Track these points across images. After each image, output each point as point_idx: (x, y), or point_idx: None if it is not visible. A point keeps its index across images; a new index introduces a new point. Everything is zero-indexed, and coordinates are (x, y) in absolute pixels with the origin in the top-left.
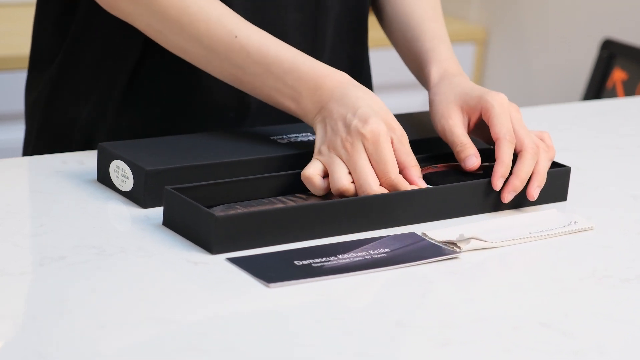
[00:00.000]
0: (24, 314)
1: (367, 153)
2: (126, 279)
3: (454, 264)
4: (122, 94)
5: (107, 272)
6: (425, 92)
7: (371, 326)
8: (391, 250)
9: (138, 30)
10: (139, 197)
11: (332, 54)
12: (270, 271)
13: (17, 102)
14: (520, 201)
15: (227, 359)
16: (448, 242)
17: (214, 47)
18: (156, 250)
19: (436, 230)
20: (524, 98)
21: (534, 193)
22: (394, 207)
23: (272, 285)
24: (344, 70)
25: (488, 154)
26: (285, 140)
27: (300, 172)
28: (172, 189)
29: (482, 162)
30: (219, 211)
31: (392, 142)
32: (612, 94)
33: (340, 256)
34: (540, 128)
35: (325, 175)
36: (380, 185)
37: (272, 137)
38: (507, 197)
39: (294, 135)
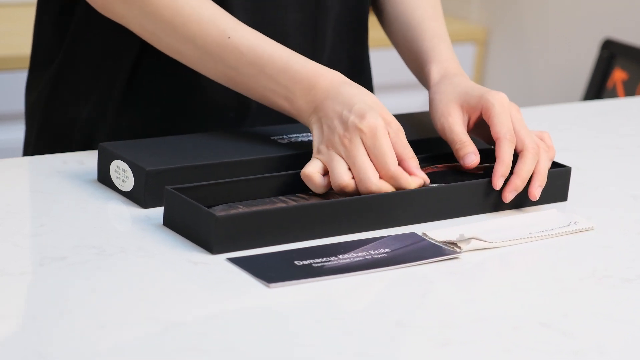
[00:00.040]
0: (24, 314)
1: (365, 147)
2: (126, 279)
3: (454, 264)
4: (122, 93)
5: (107, 272)
6: (425, 92)
7: (371, 326)
8: (391, 251)
9: None
10: (139, 197)
11: (332, 53)
12: (270, 271)
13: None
14: (521, 201)
15: (227, 359)
16: (448, 242)
17: (207, 48)
18: (156, 250)
19: (436, 230)
20: (524, 98)
21: (535, 193)
22: (394, 207)
23: (272, 285)
24: (344, 70)
25: (488, 154)
26: (286, 140)
27: (300, 172)
28: (173, 189)
29: (482, 163)
30: (219, 210)
31: (389, 136)
32: (613, 94)
33: (340, 256)
34: (540, 128)
35: (326, 173)
36: (380, 178)
37: (272, 137)
38: (508, 196)
39: (294, 135)
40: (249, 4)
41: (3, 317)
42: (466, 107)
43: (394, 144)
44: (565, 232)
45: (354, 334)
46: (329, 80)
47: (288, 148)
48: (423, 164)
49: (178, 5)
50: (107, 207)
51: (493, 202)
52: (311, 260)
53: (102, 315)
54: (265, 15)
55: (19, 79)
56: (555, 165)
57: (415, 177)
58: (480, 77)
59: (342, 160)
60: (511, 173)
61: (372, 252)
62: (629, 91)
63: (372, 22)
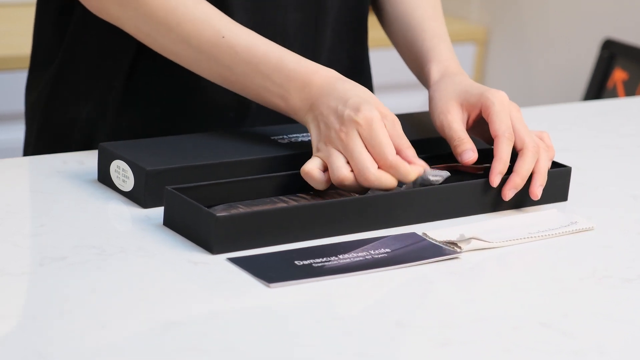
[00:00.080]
0: (24, 314)
1: (362, 140)
2: (126, 279)
3: (454, 264)
4: (122, 94)
5: (107, 272)
6: (425, 92)
7: (371, 326)
8: (392, 251)
9: None
10: (139, 197)
11: (331, 53)
12: (270, 271)
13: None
14: (521, 201)
15: (227, 359)
16: (448, 242)
17: (202, 48)
18: (156, 250)
19: (437, 230)
20: (524, 98)
21: (537, 192)
22: (394, 207)
23: (272, 285)
24: (343, 70)
25: (488, 154)
26: (286, 140)
27: (300, 170)
28: (173, 189)
29: (482, 162)
30: (219, 210)
31: (385, 127)
32: (613, 94)
33: (340, 256)
34: (540, 128)
35: (326, 169)
36: (379, 169)
37: (272, 137)
38: (508, 194)
39: (294, 135)
40: (249, 4)
41: (3, 317)
42: (466, 105)
43: (391, 135)
44: (566, 232)
45: (354, 334)
46: (323, 77)
47: (288, 148)
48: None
49: (172, 6)
50: (107, 207)
51: (493, 202)
52: (311, 260)
53: (102, 315)
54: (265, 15)
55: (19, 79)
56: (555, 165)
57: (415, 166)
58: (480, 77)
59: (340, 154)
60: (510, 171)
61: (372, 252)
62: (629, 91)
63: (372, 22)
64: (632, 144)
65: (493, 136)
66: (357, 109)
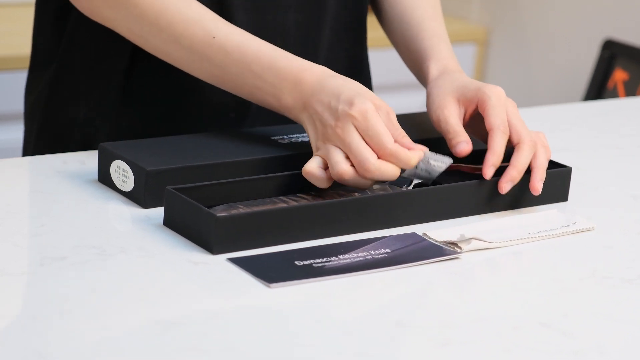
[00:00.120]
0: (24, 314)
1: (359, 132)
2: (126, 279)
3: (454, 264)
4: (120, 94)
5: (107, 272)
6: (425, 93)
7: (371, 326)
8: (392, 251)
9: None
10: (139, 197)
11: (330, 53)
12: (271, 271)
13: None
14: (521, 201)
15: (227, 359)
16: (449, 243)
17: (193, 48)
18: (157, 251)
19: (437, 231)
20: (524, 98)
21: (537, 186)
22: (394, 207)
23: (273, 285)
24: (342, 70)
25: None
26: (286, 141)
27: (301, 172)
28: (173, 189)
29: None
30: (220, 210)
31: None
32: (613, 95)
33: (341, 256)
34: (541, 128)
35: (327, 167)
36: (379, 159)
37: (272, 138)
38: (505, 187)
39: (294, 135)
40: (249, 4)
41: (3, 317)
42: (463, 100)
43: (386, 126)
44: (566, 232)
45: (354, 334)
46: (315, 74)
47: (288, 148)
48: None
49: (163, 7)
50: (108, 207)
51: (493, 203)
52: (312, 261)
53: (102, 315)
54: (265, 15)
55: (19, 79)
56: (555, 165)
57: (414, 151)
58: (480, 77)
59: (339, 149)
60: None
61: (372, 252)
62: (630, 91)
63: (372, 22)
64: (633, 144)
65: (487, 129)
66: (350, 103)
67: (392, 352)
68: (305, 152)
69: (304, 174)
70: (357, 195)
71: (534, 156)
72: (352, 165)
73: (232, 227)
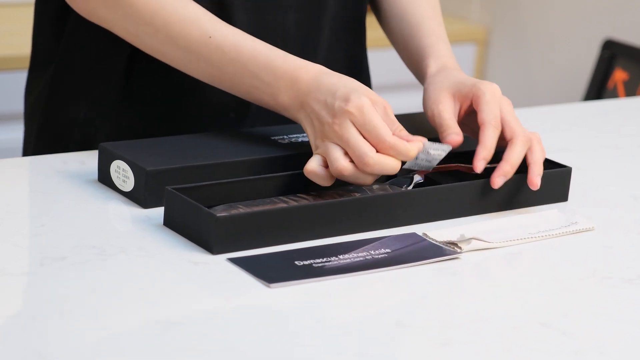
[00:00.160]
0: (24, 314)
1: (357, 128)
2: (126, 279)
3: (454, 264)
4: (120, 94)
5: (107, 272)
6: None
7: (371, 326)
8: (392, 251)
9: None
10: (139, 197)
11: (329, 53)
12: (271, 271)
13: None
14: (521, 201)
15: (227, 359)
16: (449, 243)
17: (190, 48)
18: (157, 251)
19: (437, 231)
20: (524, 98)
21: (535, 181)
22: (394, 207)
23: (272, 285)
24: (342, 69)
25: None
26: (286, 141)
27: (301, 172)
28: (173, 189)
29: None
30: (220, 210)
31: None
32: (613, 95)
33: (341, 256)
34: (541, 128)
35: (327, 165)
36: (378, 153)
37: (272, 138)
38: (497, 181)
39: (294, 135)
40: (249, 4)
41: (3, 317)
42: (458, 96)
43: (383, 120)
44: (566, 232)
45: (354, 334)
46: (310, 73)
47: (288, 148)
48: None
49: (159, 7)
50: (108, 207)
51: (493, 203)
52: (312, 261)
53: (102, 315)
54: (265, 15)
55: (19, 79)
56: (555, 165)
57: (413, 142)
58: (480, 77)
59: (338, 146)
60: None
61: (372, 252)
62: (630, 91)
63: (371, 22)
64: (633, 144)
65: (479, 124)
66: (346, 99)
67: (392, 352)
68: (305, 152)
69: (305, 173)
70: (357, 195)
71: (531, 152)
72: (352, 161)
73: (232, 227)
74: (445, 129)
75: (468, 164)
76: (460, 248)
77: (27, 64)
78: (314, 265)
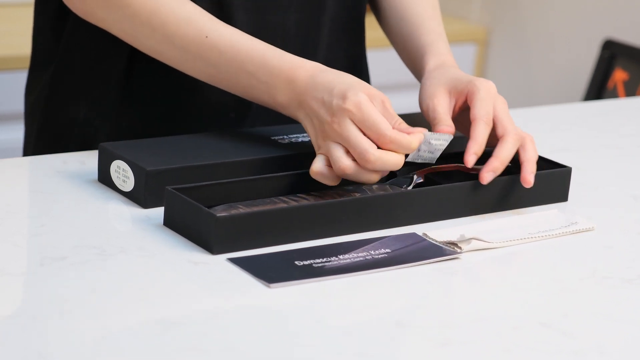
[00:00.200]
0: (24, 314)
1: (356, 125)
2: (126, 279)
3: (454, 264)
4: (120, 94)
5: (107, 272)
6: None
7: (371, 326)
8: (392, 251)
9: None
10: (139, 197)
11: (329, 52)
12: (271, 271)
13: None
14: (521, 201)
15: (227, 359)
16: (449, 243)
17: (186, 48)
18: (157, 251)
19: (437, 231)
20: (524, 98)
21: (529, 178)
22: (394, 207)
23: (272, 285)
24: (342, 69)
25: (489, 155)
26: (286, 141)
27: (301, 172)
28: (173, 189)
29: (483, 163)
30: (220, 210)
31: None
32: (613, 95)
33: (341, 256)
34: (541, 128)
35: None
36: (380, 149)
37: (272, 138)
38: (486, 177)
39: (294, 135)
40: (249, 4)
41: (3, 317)
42: (454, 92)
43: (382, 114)
44: (566, 232)
45: (354, 334)
46: (307, 71)
47: (288, 148)
48: (425, 164)
49: (155, 7)
50: (108, 207)
51: (493, 203)
52: (312, 261)
53: (102, 315)
54: (265, 15)
55: (19, 79)
56: (555, 165)
57: (414, 134)
58: (480, 77)
59: (339, 145)
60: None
61: (372, 252)
62: (630, 91)
63: (371, 22)
64: (633, 144)
65: (471, 120)
66: (343, 97)
67: (392, 352)
68: (305, 152)
69: (312, 174)
70: (357, 195)
71: (524, 149)
72: (355, 159)
73: (232, 227)
74: (438, 122)
75: None
76: (460, 248)
77: (27, 64)
78: (314, 265)
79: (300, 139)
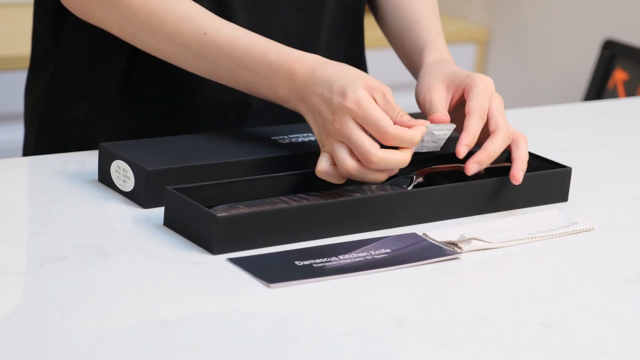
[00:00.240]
0: (24, 314)
1: (357, 122)
2: (126, 279)
3: (454, 264)
4: (120, 94)
5: (107, 272)
6: None
7: (371, 326)
8: (392, 251)
9: None
10: (139, 197)
11: (328, 52)
12: (271, 271)
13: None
14: (521, 202)
15: (227, 359)
16: (449, 243)
17: (186, 45)
18: (157, 251)
19: (437, 231)
20: (524, 98)
21: (518, 175)
22: (394, 207)
23: (273, 285)
24: None
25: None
26: (286, 141)
27: (301, 172)
28: (173, 189)
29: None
30: (220, 210)
31: (376, 102)
32: (613, 95)
33: (341, 256)
34: (541, 128)
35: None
36: (383, 146)
37: (273, 138)
38: (471, 168)
39: (294, 135)
40: (249, 4)
41: (3, 317)
42: (451, 86)
43: (383, 108)
44: (566, 232)
45: (354, 334)
46: (306, 65)
47: (288, 148)
48: (424, 164)
49: (154, 5)
50: (108, 207)
51: (494, 203)
52: (312, 261)
53: (102, 315)
54: (265, 15)
55: (19, 79)
56: (555, 165)
57: (416, 127)
58: None
59: (342, 144)
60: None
61: (372, 252)
62: (630, 92)
63: (370, 22)
64: (632, 144)
65: (466, 113)
66: (343, 94)
67: (392, 352)
68: (305, 152)
69: (317, 174)
70: (357, 195)
71: (516, 147)
72: (359, 160)
73: (232, 227)
74: (432, 112)
75: None
76: (460, 248)
77: (27, 64)
78: (314, 265)
79: (300, 139)
